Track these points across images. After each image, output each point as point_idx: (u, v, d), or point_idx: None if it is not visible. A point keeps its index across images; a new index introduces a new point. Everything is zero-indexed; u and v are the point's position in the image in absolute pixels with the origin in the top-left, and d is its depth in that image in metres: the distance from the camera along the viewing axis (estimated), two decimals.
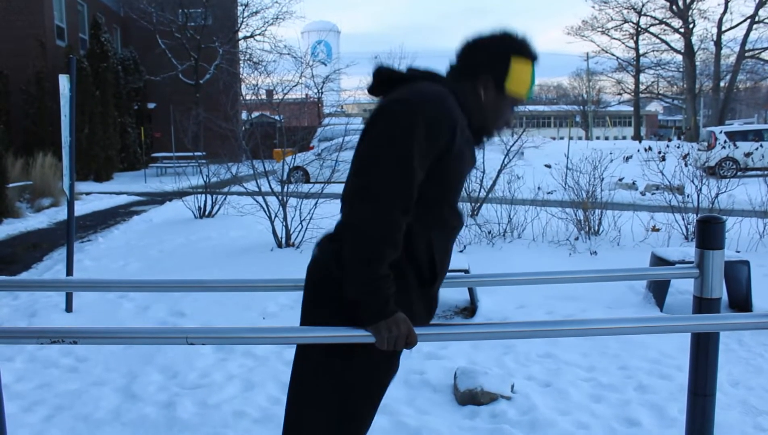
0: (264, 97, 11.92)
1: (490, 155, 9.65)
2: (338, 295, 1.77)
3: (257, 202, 8.26)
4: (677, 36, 43.99)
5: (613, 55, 50.49)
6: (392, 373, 1.92)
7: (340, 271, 1.73)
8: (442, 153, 1.72)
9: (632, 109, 56.60)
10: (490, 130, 1.94)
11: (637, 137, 48.68)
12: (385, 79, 1.89)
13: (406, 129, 1.66)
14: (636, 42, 48.86)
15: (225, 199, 11.07)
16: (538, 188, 9.43)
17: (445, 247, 1.87)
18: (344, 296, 1.74)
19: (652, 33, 46.46)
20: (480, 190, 9.03)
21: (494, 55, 1.85)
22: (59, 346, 4.35)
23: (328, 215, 7.38)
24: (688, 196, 8.13)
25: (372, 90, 1.92)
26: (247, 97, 12.31)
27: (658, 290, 5.31)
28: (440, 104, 1.72)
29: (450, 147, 1.73)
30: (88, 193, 15.82)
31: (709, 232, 2.24)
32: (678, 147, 11.57)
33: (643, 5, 44.50)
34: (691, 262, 2.32)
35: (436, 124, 1.69)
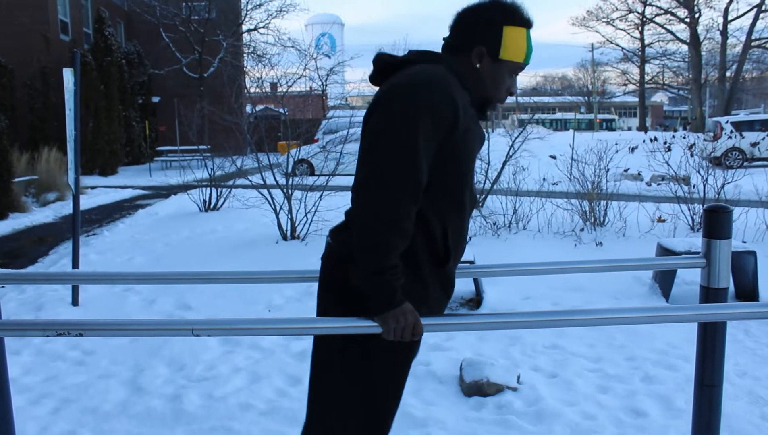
0: (268, 90, 11.91)
1: (495, 147, 9.62)
2: (345, 283, 1.78)
3: (262, 194, 8.26)
4: (683, 26, 43.77)
5: (618, 45, 50.32)
6: (413, 359, 1.91)
7: (350, 261, 1.74)
8: (448, 134, 1.71)
9: (637, 99, 56.37)
10: (493, 101, 1.91)
11: (642, 128, 48.50)
12: (385, 66, 1.87)
13: (407, 115, 1.65)
14: (641, 32, 48.64)
15: (230, 192, 11.08)
16: (543, 179, 9.40)
17: (461, 226, 1.87)
18: (351, 285, 1.75)
19: (657, 23, 46.24)
20: (485, 181, 9.01)
21: (485, 26, 1.82)
22: (66, 340, 4.36)
23: (333, 208, 7.39)
24: (693, 187, 8.10)
25: (373, 78, 1.91)
26: (252, 90, 12.28)
27: (664, 281, 5.30)
28: (439, 85, 1.70)
29: (454, 127, 1.71)
30: (93, 187, 15.85)
31: (716, 221, 2.23)
32: (684, 137, 11.52)
33: None
34: (697, 253, 2.31)
35: (437, 106, 1.67)
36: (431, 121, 1.66)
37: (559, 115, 58.50)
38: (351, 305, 1.78)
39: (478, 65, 1.84)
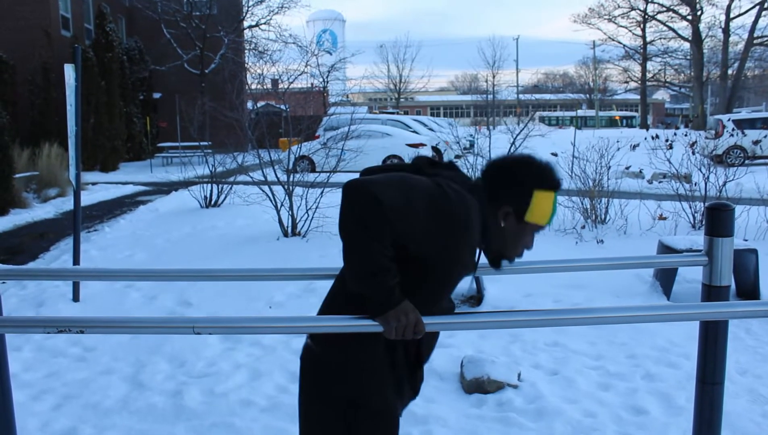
0: (269, 86, 11.90)
1: (496, 144, 9.61)
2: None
3: (263, 191, 8.26)
4: (685, 23, 43.75)
5: (619, 43, 50.29)
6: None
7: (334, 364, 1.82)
8: (444, 243, 1.72)
9: (639, 97, 56.32)
10: (509, 256, 1.93)
11: (644, 125, 48.45)
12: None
13: (439, 202, 1.68)
14: (643, 29, 48.60)
15: (231, 188, 11.07)
16: None
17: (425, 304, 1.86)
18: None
19: (659, 20, 46.20)
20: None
21: (517, 187, 1.84)
22: (66, 336, 4.36)
23: (334, 204, 7.38)
24: (695, 185, 8.09)
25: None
26: (253, 87, 12.27)
27: (666, 279, 5.30)
28: (467, 212, 1.73)
29: (456, 246, 1.74)
30: (94, 183, 15.85)
31: (718, 219, 2.22)
32: (685, 135, 11.49)
33: None
34: (699, 251, 2.31)
35: (456, 219, 1.70)
36: (445, 224, 1.69)
37: (581, 113, 58.33)
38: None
39: (502, 222, 1.86)
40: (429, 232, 1.69)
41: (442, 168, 1.88)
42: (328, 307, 1.90)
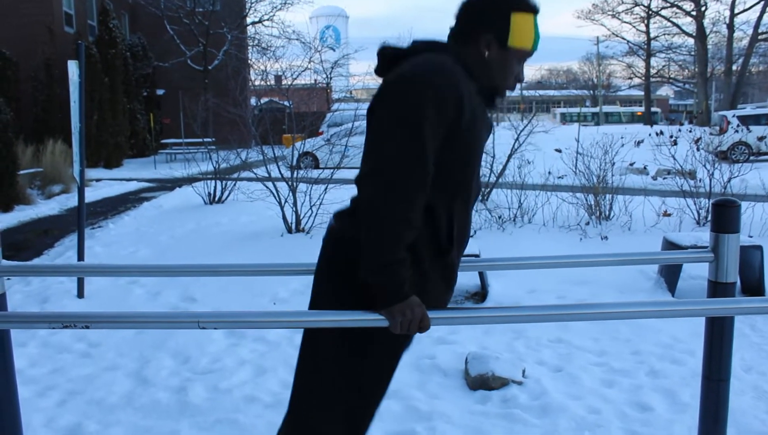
0: (273, 82, 11.89)
1: (500, 140, 9.60)
2: (346, 269, 1.77)
3: (267, 187, 8.26)
4: (689, 19, 43.56)
5: (623, 39, 50.14)
6: (403, 353, 1.90)
7: (351, 243, 1.73)
8: (454, 122, 1.69)
9: (642, 93, 56.16)
10: (501, 89, 1.89)
11: (648, 122, 48.32)
12: (390, 58, 1.85)
13: (412, 105, 1.63)
14: (647, 25, 48.45)
15: (235, 184, 11.08)
16: (549, 173, 9.36)
17: (465, 215, 1.85)
18: (350, 268, 1.74)
19: (663, 16, 46.01)
20: (490, 174, 9.00)
21: (493, 13, 1.80)
22: (71, 332, 4.37)
23: (337, 201, 7.36)
24: (699, 181, 8.07)
25: (378, 70, 1.89)
26: (256, 83, 12.28)
27: (670, 275, 5.29)
28: (444, 74, 1.68)
29: (460, 115, 1.69)
30: (98, 180, 15.88)
31: (724, 215, 2.22)
32: (690, 131, 11.47)
33: None
34: (704, 247, 2.30)
35: (442, 94, 1.66)
36: (437, 109, 1.64)
37: (606, 108, 58.05)
38: (350, 289, 1.77)
39: (486, 54, 1.82)
40: (440, 125, 1.67)
41: (406, 55, 1.82)
42: (326, 273, 1.87)
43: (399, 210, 1.62)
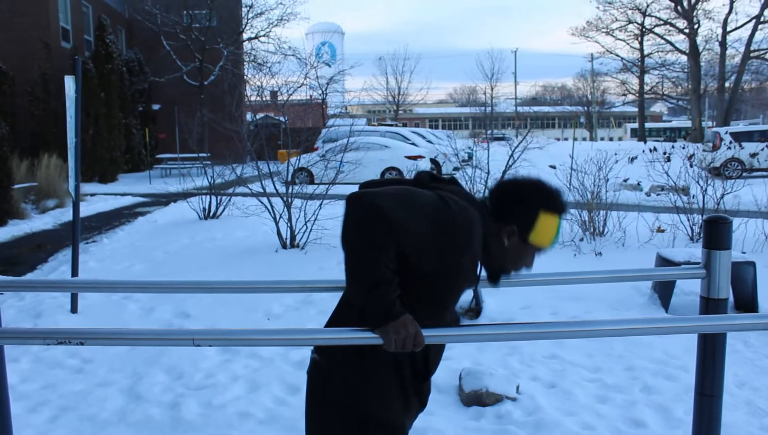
0: (268, 98, 11.94)
1: (495, 156, 9.63)
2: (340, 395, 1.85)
3: (262, 203, 8.27)
4: (682, 36, 43.93)
5: (617, 55, 50.49)
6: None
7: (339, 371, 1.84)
8: (448, 256, 1.74)
9: (636, 109, 56.50)
10: (509, 271, 1.98)
11: (642, 138, 48.58)
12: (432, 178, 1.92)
13: (442, 220, 1.69)
14: (640, 43, 48.81)
15: (230, 200, 11.07)
16: None
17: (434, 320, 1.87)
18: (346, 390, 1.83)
19: (656, 33, 46.42)
20: (485, 190, 9.02)
21: (524, 207, 1.86)
22: (64, 348, 4.35)
23: (332, 216, 7.39)
24: (693, 197, 8.10)
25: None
26: (252, 99, 12.32)
27: (664, 291, 5.30)
28: (470, 225, 1.75)
29: (458, 258, 1.75)
30: (93, 195, 15.85)
31: (716, 232, 2.23)
32: (683, 147, 11.53)
33: (647, 6, 44.51)
34: (697, 263, 2.32)
35: (459, 231, 1.72)
36: (445, 237, 1.70)
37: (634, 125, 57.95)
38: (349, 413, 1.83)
39: (506, 242, 1.88)
40: (433, 244, 1.70)
41: (443, 182, 1.89)
42: (336, 319, 1.91)
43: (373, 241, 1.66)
